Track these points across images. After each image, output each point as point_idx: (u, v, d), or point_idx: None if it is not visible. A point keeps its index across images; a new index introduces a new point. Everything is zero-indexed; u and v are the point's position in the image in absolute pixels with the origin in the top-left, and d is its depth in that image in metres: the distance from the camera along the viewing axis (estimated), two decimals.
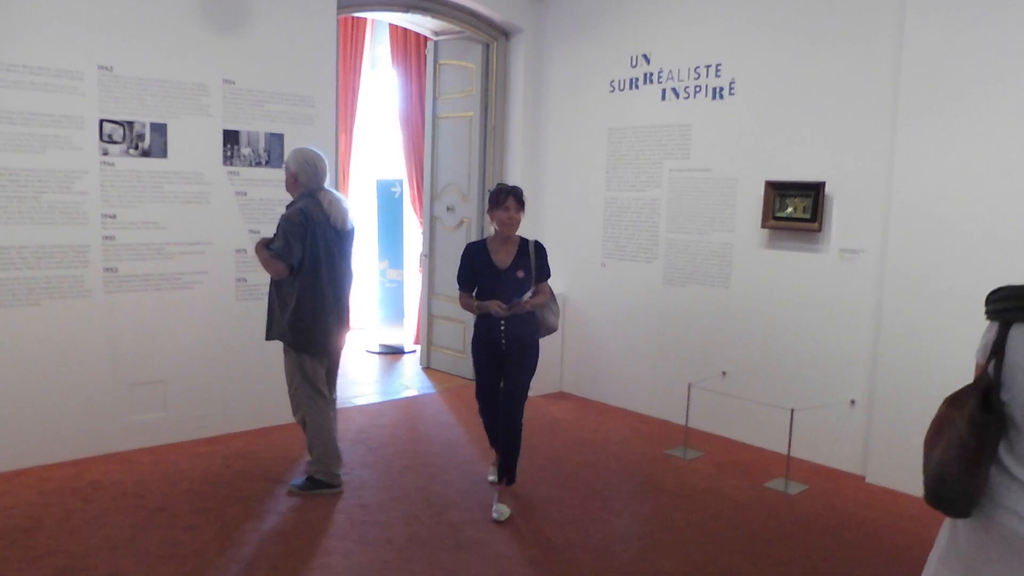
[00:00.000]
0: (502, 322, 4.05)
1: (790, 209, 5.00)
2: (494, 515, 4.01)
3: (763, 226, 5.12)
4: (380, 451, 5.03)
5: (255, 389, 5.30)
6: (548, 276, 4.26)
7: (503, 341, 4.09)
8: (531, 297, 4.07)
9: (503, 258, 4.14)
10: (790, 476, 4.67)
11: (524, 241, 4.21)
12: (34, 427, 4.54)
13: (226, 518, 3.94)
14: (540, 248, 4.24)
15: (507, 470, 4.15)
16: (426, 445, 5.21)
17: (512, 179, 6.78)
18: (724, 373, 5.43)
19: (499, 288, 4.08)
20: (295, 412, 4.42)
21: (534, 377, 4.28)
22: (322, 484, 4.28)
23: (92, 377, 4.70)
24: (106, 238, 4.68)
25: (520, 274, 4.10)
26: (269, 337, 4.30)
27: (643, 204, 5.93)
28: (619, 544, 3.82)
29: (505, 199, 4.08)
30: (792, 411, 4.70)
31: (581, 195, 6.39)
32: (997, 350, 1.89)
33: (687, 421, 5.31)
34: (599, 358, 6.36)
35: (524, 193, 4.16)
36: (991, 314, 1.93)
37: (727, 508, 4.29)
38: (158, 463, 4.61)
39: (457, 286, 4.26)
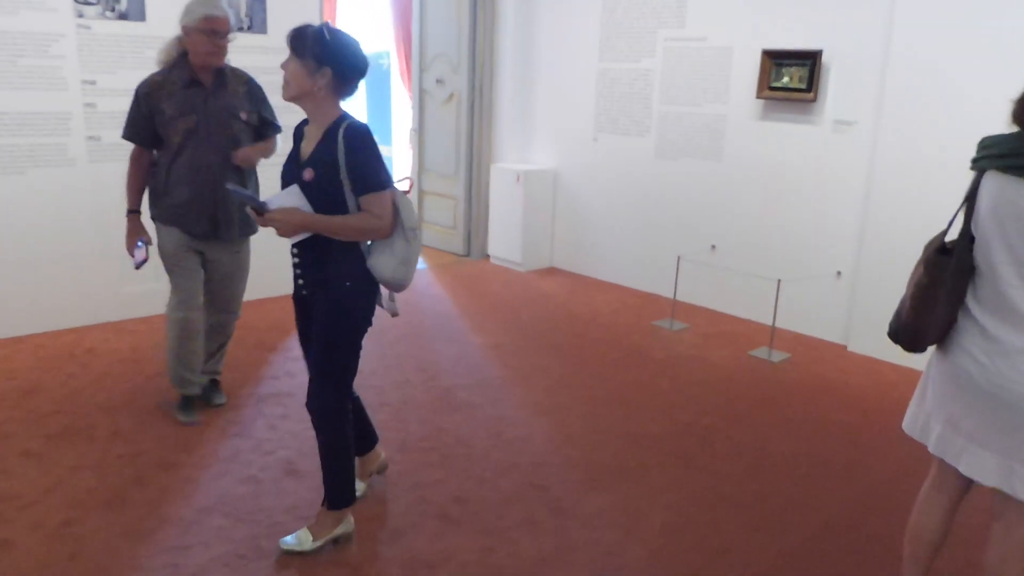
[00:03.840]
0: (294, 249, 2.61)
1: (786, 79, 4.90)
2: (282, 544, 2.69)
3: (758, 96, 5.04)
4: (373, 322, 5.09)
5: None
6: (369, 187, 2.49)
7: (301, 283, 2.66)
8: (280, 209, 2.50)
9: (307, 146, 2.56)
10: (774, 345, 4.78)
11: (336, 123, 2.50)
12: (29, 296, 4.57)
13: (222, 382, 4.02)
14: (352, 137, 2.47)
15: (326, 482, 2.72)
16: (417, 316, 5.28)
17: (503, 50, 6.59)
18: (713, 247, 5.46)
19: None
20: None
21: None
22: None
23: (82, 248, 4.69)
24: (87, 105, 4.57)
25: (308, 175, 2.50)
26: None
27: (636, 75, 5.80)
28: (606, 408, 3.94)
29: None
30: (779, 282, 4.76)
31: (573, 66, 6.23)
32: (969, 197, 1.97)
33: (675, 294, 5.38)
34: (589, 233, 6.37)
35: (323, 34, 2.44)
36: (972, 163, 1.99)
37: (711, 374, 4.41)
38: (152, 332, 4.66)
39: None
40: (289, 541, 2.68)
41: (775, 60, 4.92)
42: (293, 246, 2.59)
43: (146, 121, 3.36)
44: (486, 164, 6.80)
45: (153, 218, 3.48)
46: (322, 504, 2.73)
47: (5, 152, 4.37)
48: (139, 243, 3.45)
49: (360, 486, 2.99)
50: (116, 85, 4.62)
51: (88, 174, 4.65)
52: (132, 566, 2.58)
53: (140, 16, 4.67)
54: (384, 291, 2.72)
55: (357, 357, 2.70)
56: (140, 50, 4.67)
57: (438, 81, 6.91)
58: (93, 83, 4.57)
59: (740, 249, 5.34)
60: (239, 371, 4.17)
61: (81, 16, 4.48)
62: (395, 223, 2.57)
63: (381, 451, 3.15)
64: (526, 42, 6.53)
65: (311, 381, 2.67)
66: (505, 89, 6.67)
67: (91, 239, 4.72)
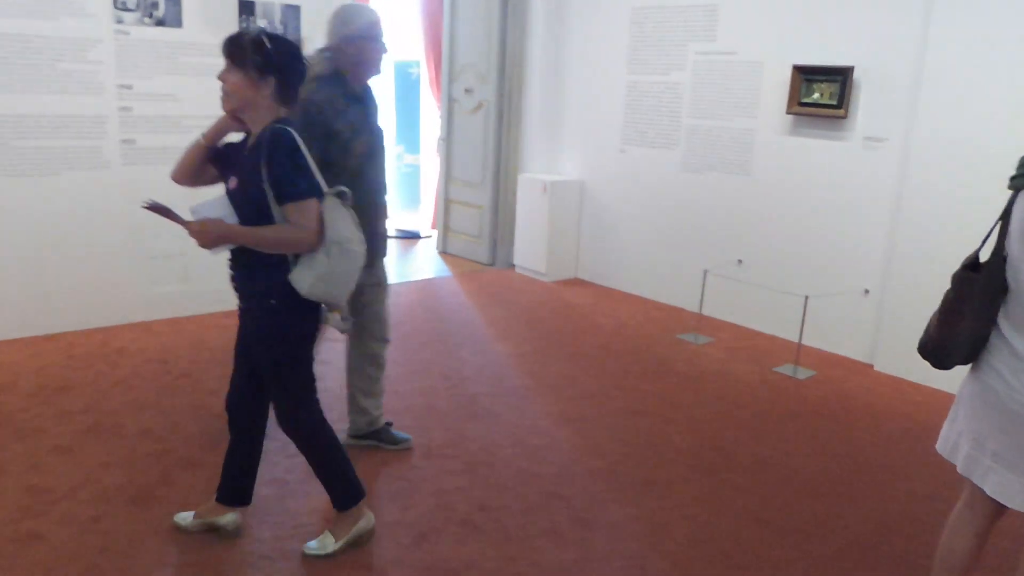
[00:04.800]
0: (229, 261, 2.53)
1: (816, 95, 4.89)
2: (307, 550, 2.69)
3: (788, 112, 5.02)
4: (397, 328, 5.10)
5: None
6: (287, 195, 2.34)
7: (236, 292, 2.58)
8: (202, 221, 2.38)
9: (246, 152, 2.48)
10: (799, 362, 4.74)
11: (265, 130, 2.38)
12: (62, 295, 4.65)
13: None
14: (274, 140, 2.34)
15: (327, 490, 2.74)
16: (442, 324, 5.30)
17: (532, 60, 6.63)
18: (740, 261, 5.44)
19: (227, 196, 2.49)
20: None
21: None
22: None
23: (113, 248, 4.77)
24: (122, 109, 4.65)
25: (232, 183, 2.44)
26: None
27: (665, 88, 5.81)
28: (630, 419, 3.94)
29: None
30: (806, 298, 4.74)
31: (602, 78, 6.25)
32: (1004, 215, 1.97)
33: (701, 308, 5.36)
34: (615, 245, 6.37)
35: (265, 42, 2.35)
36: (1010, 181, 1.98)
37: (735, 389, 4.39)
38: (180, 333, 4.73)
39: None
40: (312, 546, 2.69)
41: (806, 76, 4.91)
42: (229, 258, 2.50)
43: (319, 143, 2.86)
44: (513, 174, 6.83)
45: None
46: (334, 508, 2.73)
47: (41, 154, 4.46)
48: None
49: (188, 517, 2.79)
50: (151, 90, 4.70)
51: (121, 177, 4.72)
52: (159, 562, 2.62)
53: (177, 22, 4.75)
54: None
55: (309, 368, 2.59)
56: (175, 55, 4.76)
57: (467, 90, 6.95)
58: (129, 88, 4.65)
59: (767, 264, 5.32)
60: None
61: (120, 22, 4.56)
62: (323, 236, 2.38)
63: (237, 516, 2.78)
64: (555, 53, 6.56)
65: (275, 404, 2.60)
66: (533, 99, 6.71)
67: (123, 241, 4.79)
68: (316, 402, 2.65)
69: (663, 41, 5.77)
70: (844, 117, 4.77)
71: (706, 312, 5.41)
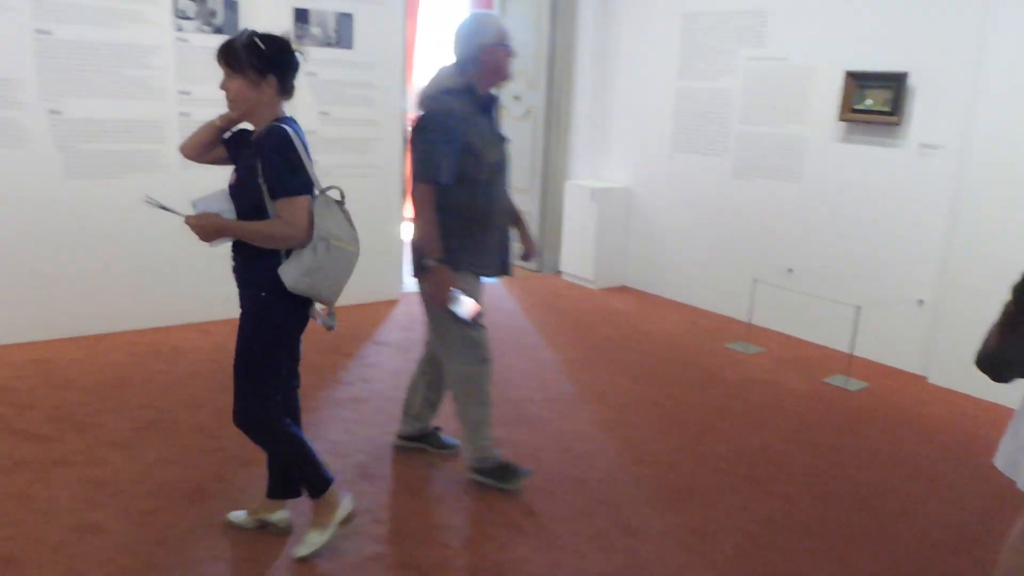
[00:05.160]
0: (232, 253, 2.59)
1: (869, 101, 4.81)
2: (296, 555, 2.69)
3: (840, 119, 4.96)
4: None
5: None
6: (278, 191, 2.39)
7: (236, 284, 2.64)
8: (196, 214, 2.46)
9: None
10: (851, 374, 4.67)
11: (263, 128, 2.47)
12: (121, 295, 4.80)
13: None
14: (266, 140, 2.42)
15: (300, 481, 2.78)
16: (489, 329, 5.31)
17: (581, 66, 6.64)
18: (790, 270, 5.38)
19: None
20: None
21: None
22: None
23: (171, 249, 4.88)
24: (182, 114, 4.78)
25: (232, 177, 2.52)
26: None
27: (715, 94, 5.77)
28: (677, 427, 3.91)
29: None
30: (858, 308, 4.66)
31: (651, 84, 6.23)
32: None
33: (750, 317, 5.31)
34: (663, 252, 6.34)
35: (267, 45, 2.42)
36: None
37: (784, 399, 4.34)
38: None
39: None
40: (301, 549, 2.67)
41: (858, 82, 4.84)
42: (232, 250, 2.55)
43: (458, 156, 2.89)
44: (560, 180, 6.84)
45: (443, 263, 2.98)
46: (310, 498, 2.70)
47: (105, 157, 4.61)
48: (455, 293, 2.98)
49: (241, 516, 2.85)
50: (209, 95, 4.80)
51: (180, 179, 4.82)
52: (213, 556, 2.68)
53: (234, 30, 4.84)
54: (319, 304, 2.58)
55: (276, 368, 2.59)
56: None
57: (515, 97, 6.99)
58: (188, 94, 4.78)
59: (818, 273, 5.24)
60: (316, 375, 4.28)
61: (180, 30, 4.70)
62: (311, 232, 2.42)
63: (287, 510, 2.83)
64: (604, 59, 6.56)
65: (235, 398, 2.57)
66: (582, 106, 6.71)
67: (179, 242, 4.88)
68: (272, 401, 2.60)
69: (713, 47, 5.74)
70: (898, 124, 4.69)
71: (755, 321, 5.35)
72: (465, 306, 3.00)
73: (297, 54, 2.51)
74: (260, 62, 2.38)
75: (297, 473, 2.72)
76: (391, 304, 5.74)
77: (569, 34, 6.63)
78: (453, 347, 3.13)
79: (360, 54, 5.34)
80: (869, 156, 4.92)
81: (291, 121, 2.47)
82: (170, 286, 4.94)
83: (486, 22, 3.06)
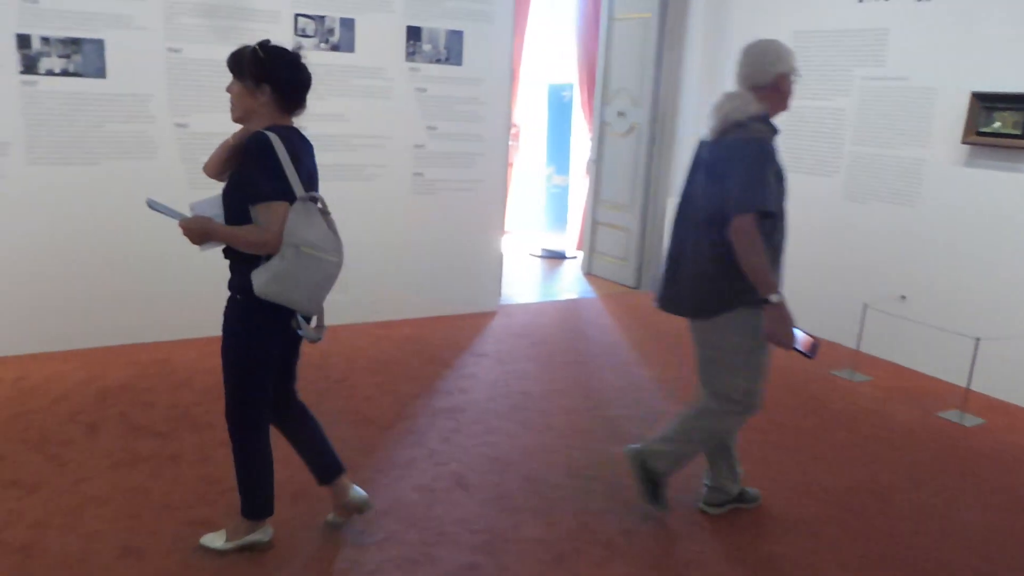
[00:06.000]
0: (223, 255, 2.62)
1: (997, 124, 4.58)
2: (201, 540, 2.82)
3: (963, 142, 4.73)
4: (541, 346, 5.19)
5: (423, 281, 5.57)
6: (253, 196, 2.42)
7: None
8: (192, 218, 2.49)
9: None
10: (967, 408, 4.43)
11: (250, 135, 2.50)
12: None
13: (399, 393, 4.23)
14: (249, 143, 2.45)
15: (240, 494, 2.76)
16: (585, 344, 5.32)
17: (687, 83, 6.58)
18: (903, 297, 5.15)
19: None
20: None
21: None
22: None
23: None
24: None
25: (224, 185, 2.59)
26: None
27: (827, 114, 5.61)
28: (779, 454, 3.81)
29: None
30: (977, 340, 4.43)
31: None
32: None
33: (858, 344, 5.11)
34: None
35: (260, 54, 2.51)
36: None
37: (893, 432, 4.15)
38: (336, 340, 4.98)
39: None
40: (207, 538, 2.78)
41: (985, 103, 4.62)
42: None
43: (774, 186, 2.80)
44: (662, 197, 6.78)
45: (744, 303, 2.96)
46: (240, 512, 2.76)
47: None
48: (799, 330, 2.91)
49: (332, 518, 2.98)
50: (323, 111, 5.01)
51: None
52: (316, 556, 2.77)
53: (350, 48, 5.05)
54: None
55: (263, 374, 2.60)
56: (346, 78, 5.05)
57: (619, 113, 6.98)
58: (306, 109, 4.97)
59: (934, 301, 5.00)
60: (415, 383, 4.37)
61: (301, 48, 4.89)
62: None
63: (351, 484, 2.94)
64: (711, 77, 6.47)
65: (226, 397, 2.62)
66: (686, 123, 6.64)
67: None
68: (260, 407, 2.65)
69: (826, 66, 5.58)
70: None
71: (864, 349, 5.15)
72: (804, 342, 2.88)
73: (303, 62, 2.58)
74: (257, 70, 2.48)
75: (247, 488, 2.72)
76: (489, 316, 5.81)
77: (676, 52, 6.58)
78: (730, 392, 3.02)
79: (469, 70, 5.45)
80: (995, 181, 4.68)
81: (287, 130, 2.51)
82: None
83: (783, 50, 2.98)
